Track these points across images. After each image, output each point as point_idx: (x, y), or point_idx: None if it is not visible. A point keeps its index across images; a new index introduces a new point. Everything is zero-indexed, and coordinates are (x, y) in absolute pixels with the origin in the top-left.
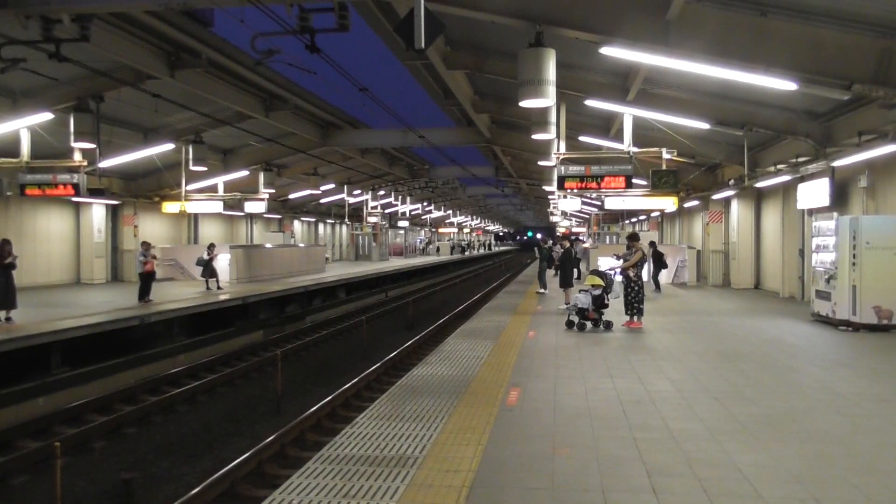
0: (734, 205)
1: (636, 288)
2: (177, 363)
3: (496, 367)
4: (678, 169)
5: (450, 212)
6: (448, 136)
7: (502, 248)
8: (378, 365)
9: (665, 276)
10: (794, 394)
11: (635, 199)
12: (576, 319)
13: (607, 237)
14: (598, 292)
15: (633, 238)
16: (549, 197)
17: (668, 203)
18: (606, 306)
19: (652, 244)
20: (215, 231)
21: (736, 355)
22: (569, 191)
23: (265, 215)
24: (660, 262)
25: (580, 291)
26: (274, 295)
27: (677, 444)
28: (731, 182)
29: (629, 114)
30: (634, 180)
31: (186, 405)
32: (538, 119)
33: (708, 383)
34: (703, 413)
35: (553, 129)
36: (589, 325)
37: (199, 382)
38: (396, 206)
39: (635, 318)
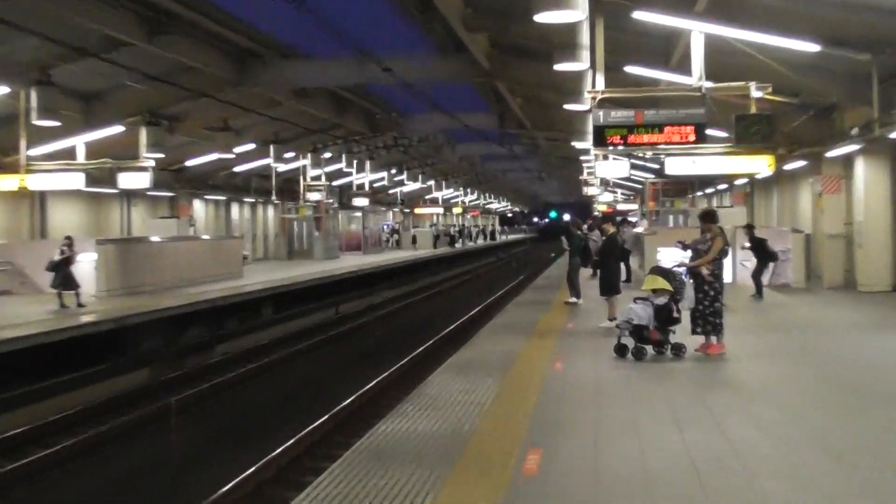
0: (859, 166)
1: (712, 293)
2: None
3: (505, 417)
4: (774, 113)
5: (431, 182)
6: (428, 69)
7: (512, 237)
8: (326, 418)
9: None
10: None
11: (711, 160)
12: (629, 343)
13: (670, 217)
14: (662, 301)
15: (709, 218)
16: (582, 159)
17: (760, 164)
18: (676, 322)
19: (749, 228)
20: (74, 218)
21: (868, 395)
22: (611, 148)
23: (150, 193)
24: (765, 254)
25: (636, 301)
26: (165, 314)
27: None
28: (854, 132)
29: (699, 31)
30: (709, 131)
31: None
32: (563, 40)
33: (826, 436)
34: (821, 481)
35: (585, 55)
36: (650, 350)
37: (33, 457)
38: (350, 175)
39: (713, 338)
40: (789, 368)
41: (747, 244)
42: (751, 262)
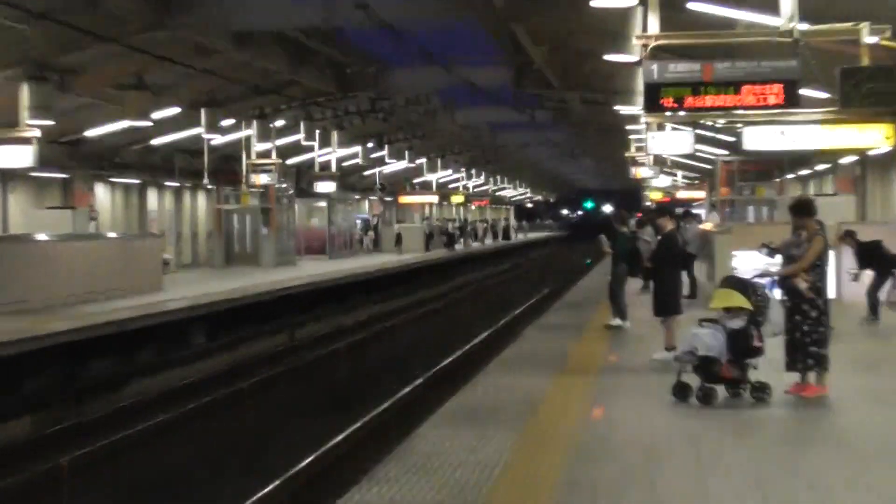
0: None
1: (814, 314)
2: None
3: (524, 484)
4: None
5: (422, 161)
6: (418, 5)
7: (533, 236)
8: (275, 486)
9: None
10: None
11: (806, 131)
12: (693, 382)
13: (750, 209)
14: (738, 324)
15: (804, 210)
16: (629, 129)
17: (875, 137)
18: (758, 353)
19: (849, 237)
20: None
21: None
22: (669, 114)
23: (34, 174)
24: (883, 262)
25: (702, 324)
26: (55, 341)
27: None
28: None
29: None
30: (804, 91)
31: None
32: None
33: None
34: None
35: None
36: (721, 391)
37: None
38: (311, 150)
39: (812, 375)
40: None
41: (853, 269)
42: (858, 270)
